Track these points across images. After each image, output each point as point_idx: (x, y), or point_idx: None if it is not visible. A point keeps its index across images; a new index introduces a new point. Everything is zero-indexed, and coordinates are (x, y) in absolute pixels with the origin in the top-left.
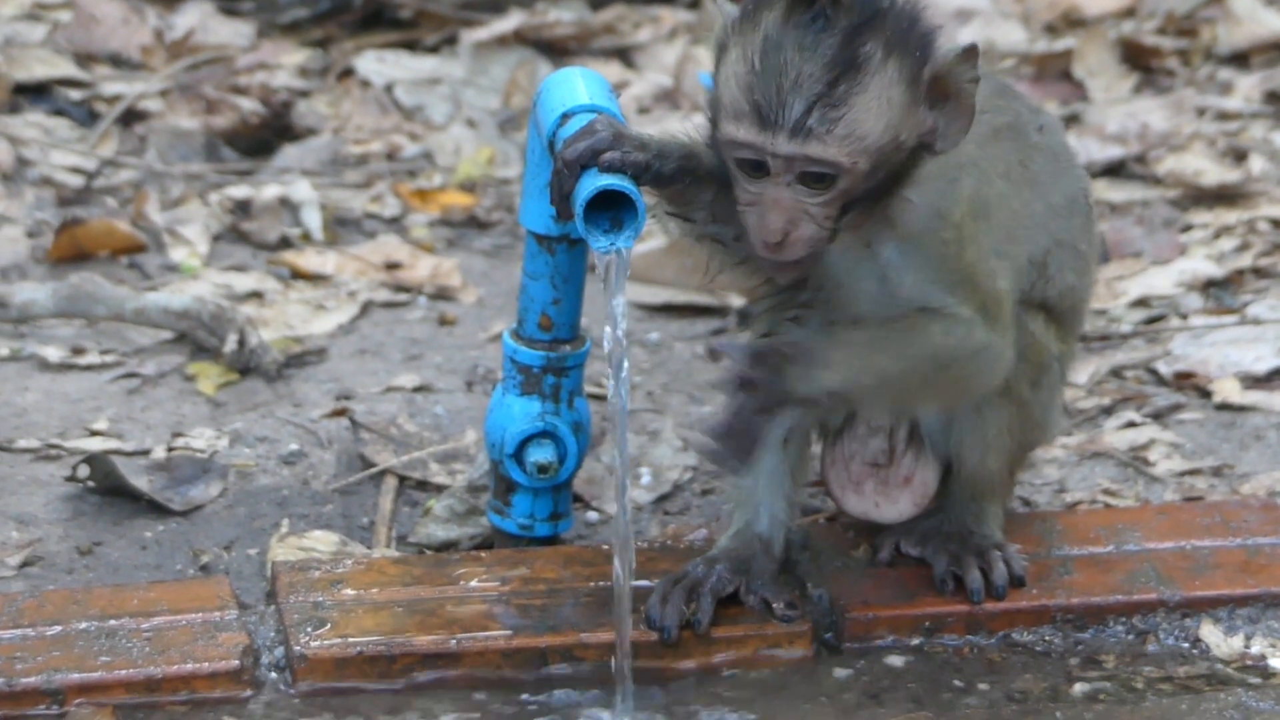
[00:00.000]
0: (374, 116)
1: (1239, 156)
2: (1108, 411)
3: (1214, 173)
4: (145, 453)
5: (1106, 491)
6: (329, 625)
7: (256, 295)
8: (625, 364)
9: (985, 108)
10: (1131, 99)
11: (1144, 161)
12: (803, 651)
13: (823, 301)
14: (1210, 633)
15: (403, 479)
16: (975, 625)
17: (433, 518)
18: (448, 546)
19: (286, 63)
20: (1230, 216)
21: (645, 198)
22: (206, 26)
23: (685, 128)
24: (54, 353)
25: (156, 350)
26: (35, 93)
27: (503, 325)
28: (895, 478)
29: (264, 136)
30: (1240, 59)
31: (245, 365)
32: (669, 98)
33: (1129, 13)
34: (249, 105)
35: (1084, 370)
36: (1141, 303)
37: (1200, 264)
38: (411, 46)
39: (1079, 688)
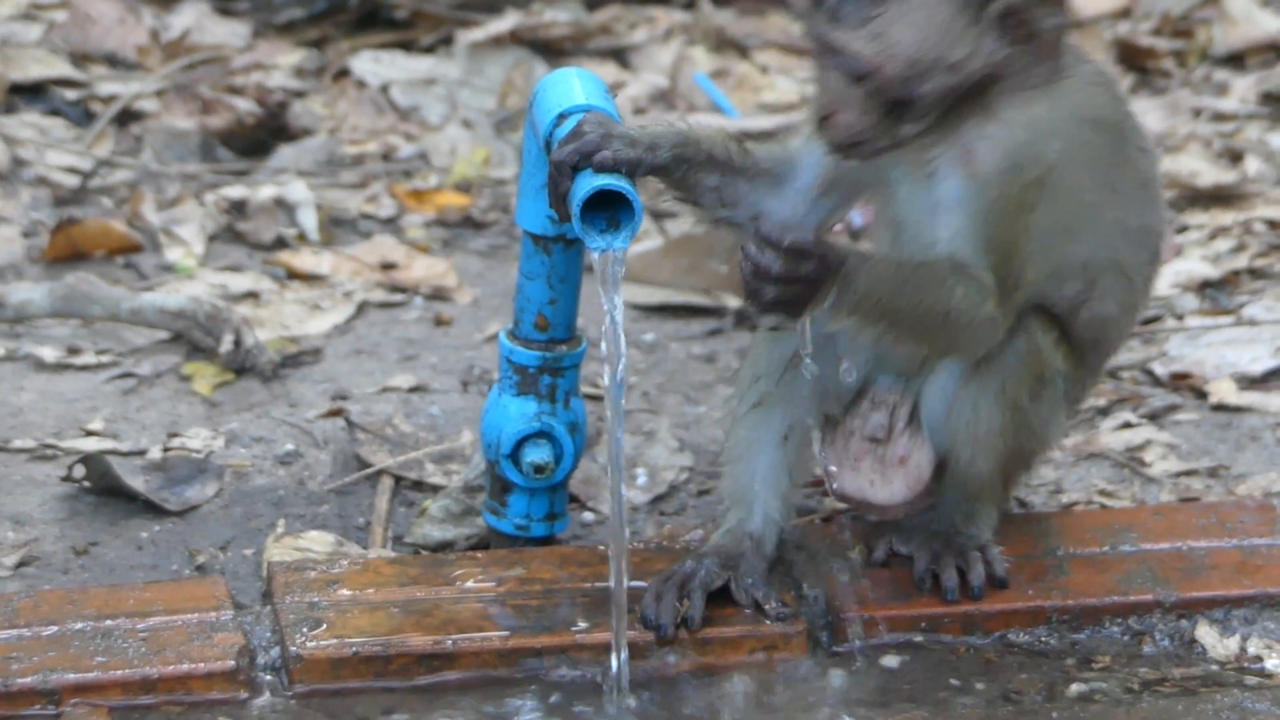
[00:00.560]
0: (370, 117)
1: (1235, 158)
2: (1104, 412)
3: (1210, 174)
4: (141, 453)
5: (1102, 492)
6: (325, 626)
7: (252, 295)
8: (622, 364)
9: (1098, 105)
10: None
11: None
12: (798, 652)
13: (880, 238)
14: (1206, 634)
15: (398, 479)
16: (971, 626)
17: (428, 518)
18: (444, 547)
19: (282, 63)
20: (1226, 217)
21: (648, 188)
22: (202, 26)
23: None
24: (50, 353)
25: (152, 350)
26: (31, 92)
27: (499, 325)
28: (892, 456)
29: (260, 137)
30: (1236, 60)
31: (241, 365)
32: (665, 98)
33: (1124, 13)
34: (245, 105)
35: None
36: None
37: (1196, 265)
38: (407, 47)
39: (1075, 688)
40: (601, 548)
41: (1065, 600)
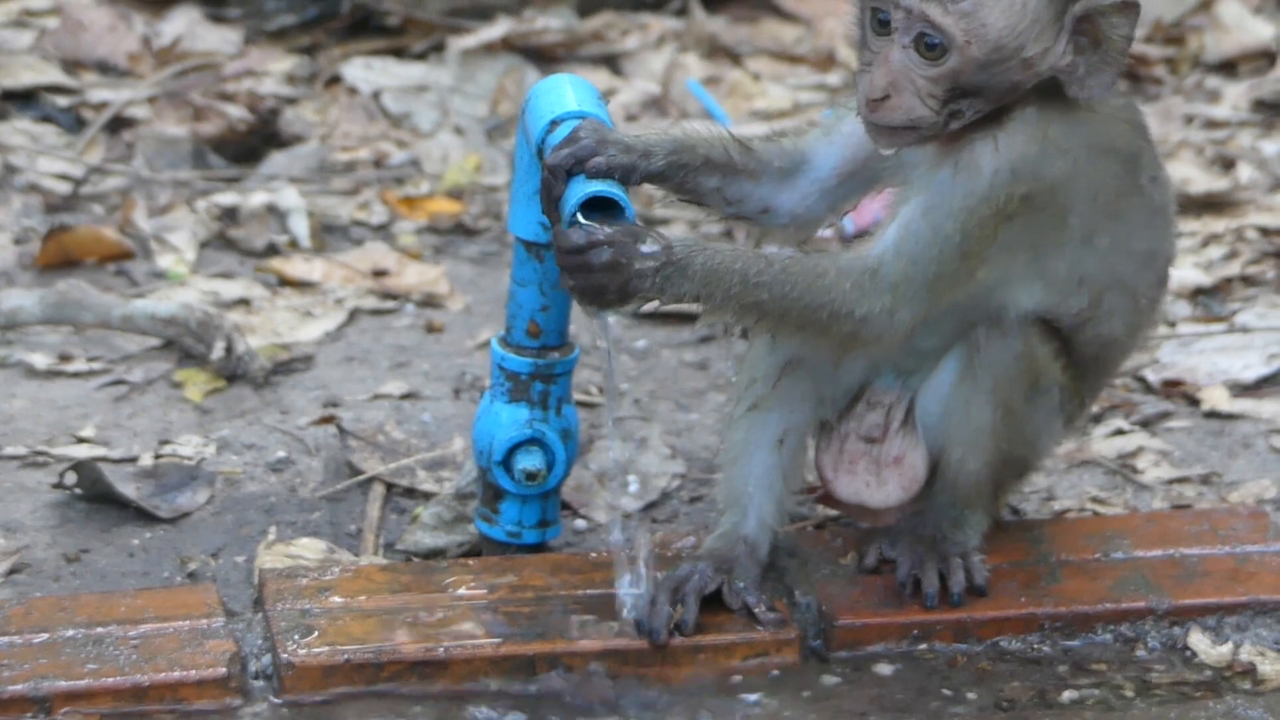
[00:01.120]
0: (361, 124)
1: (1227, 165)
2: (1096, 419)
3: (1202, 181)
4: (133, 460)
5: (1095, 499)
6: (316, 633)
7: (244, 302)
8: (615, 370)
9: (1115, 135)
10: None
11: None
12: (791, 659)
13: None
14: (1199, 640)
15: (390, 486)
16: (964, 633)
17: (420, 525)
18: (435, 554)
19: (274, 70)
20: (1218, 225)
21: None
22: (194, 33)
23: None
24: (41, 359)
25: (144, 357)
26: (22, 99)
27: (490, 332)
28: (886, 456)
29: (251, 143)
30: (1228, 67)
31: (232, 372)
32: (657, 105)
33: None
34: (236, 112)
35: None
36: None
37: (1188, 272)
38: (399, 54)
39: (1068, 695)
40: (594, 555)
41: (1058, 607)
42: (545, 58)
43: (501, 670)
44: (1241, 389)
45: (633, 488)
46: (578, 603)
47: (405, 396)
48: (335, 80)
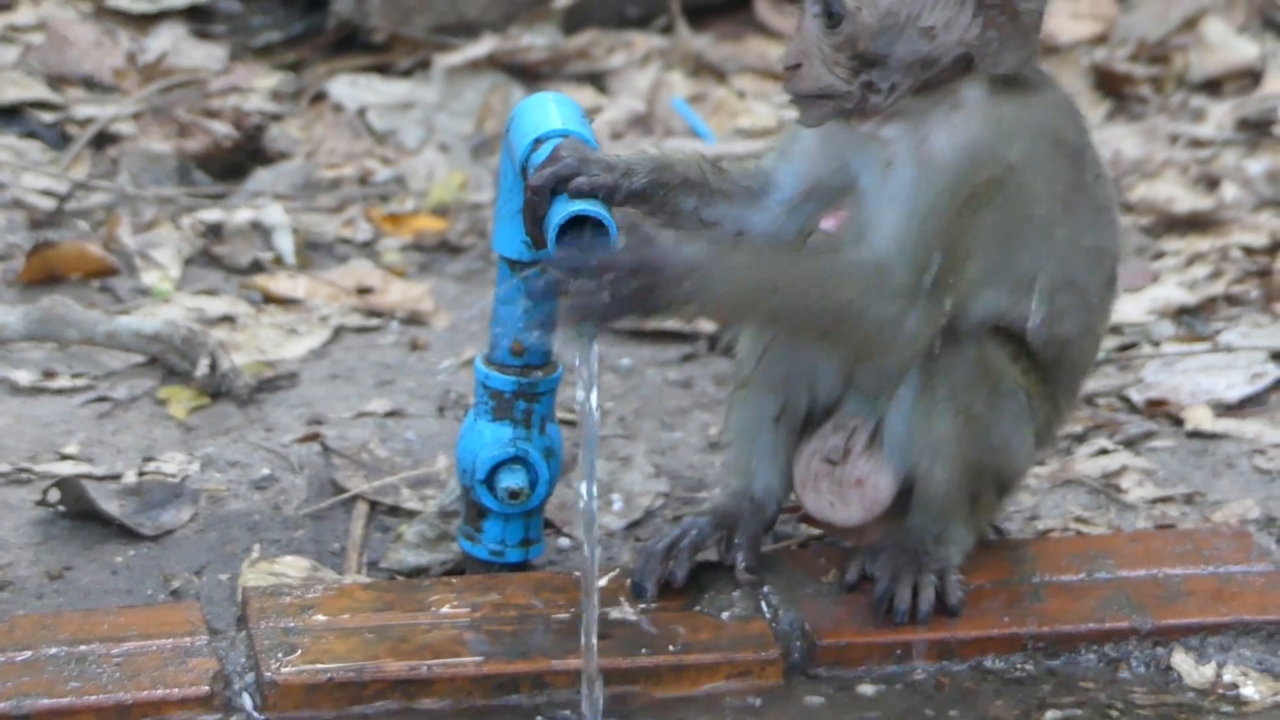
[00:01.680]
0: (346, 141)
1: (1211, 184)
2: (1079, 438)
3: (1186, 200)
4: (116, 477)
5: (1078, 519)
6: (300, 651)
7: (228, 319)
8: (595, 390)
9: (1061, 126)
10: (1104, 126)
11: (1116, 188)
12: (774, 679)
13: (848, 240)
14: (1182, 661)
15: (374, 504)
16: (947, 652)
17: (404, 543)
18: (419, 572)
19: (259, 86)
20: (1203, 244)
21: (627, 214)
22: (179, 49)
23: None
24: (24, 376)
25: (128, 374)
26: (7, 115)
27: (474, 350)
28: (848, 477)
29: (236, 160)
30: (1213, 86)
31: (217, 389)
32: (642, 123)
33: (1101, 39)
34: (221, 129)
35: None
36: (1113, 330)
37: (1172, 291)
38: (384, 71)
39: (1050, 715)
40: (577, 574)
41: (1041, 627)
42: (530, 75)
43: (485, 689)
44: (1225, 409)
45: (616, 506)
46: (561, 622)
47: (389, 414)
48: (320, 97)
